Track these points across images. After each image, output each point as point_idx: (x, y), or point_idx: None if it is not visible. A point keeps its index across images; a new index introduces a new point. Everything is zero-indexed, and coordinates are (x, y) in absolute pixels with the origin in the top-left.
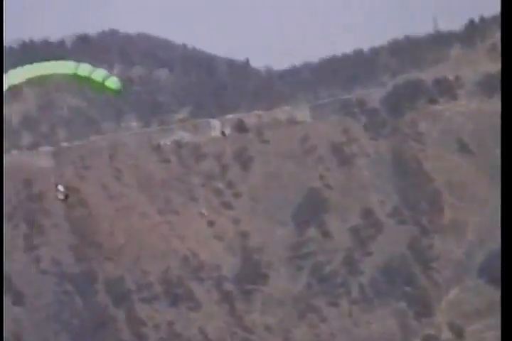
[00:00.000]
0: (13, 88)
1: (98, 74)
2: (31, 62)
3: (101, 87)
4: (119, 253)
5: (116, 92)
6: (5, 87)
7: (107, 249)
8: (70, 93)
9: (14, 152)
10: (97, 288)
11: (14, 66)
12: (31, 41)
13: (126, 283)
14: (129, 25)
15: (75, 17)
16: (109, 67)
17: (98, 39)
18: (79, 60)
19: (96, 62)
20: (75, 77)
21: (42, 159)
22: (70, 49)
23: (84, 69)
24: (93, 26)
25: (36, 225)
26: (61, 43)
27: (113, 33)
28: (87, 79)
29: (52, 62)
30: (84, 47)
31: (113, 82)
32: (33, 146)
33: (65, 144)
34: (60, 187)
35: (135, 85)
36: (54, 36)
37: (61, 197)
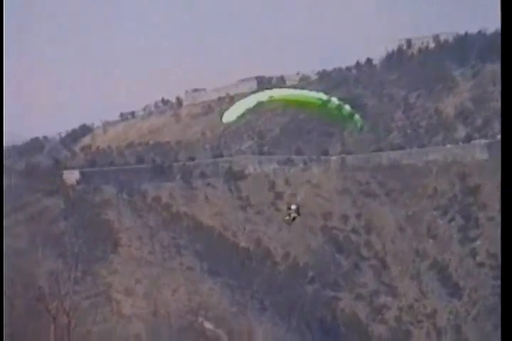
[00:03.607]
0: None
1: (345, 110)
2: (467, 54)
3: (347, 121)
4: None
5: (359, 129)
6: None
7: None
8: None
9: (449, 146)
10: None
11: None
12: (466, 34)
13: None
14: None
15: None
16: None
17: None
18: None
19: None
20: (323, 107)
21: (476, 152)
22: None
23: (333, 102)
24: None
25: (472, 218)
26: (497, 33)
27: None
28: (335, 112)
29: (306, 91)
30: None
31: (357, 120)
32: (468, 139)
33: (499, 137)
34: (293, 206)
35: None
36: (489, 28)
37: (290, 216)
